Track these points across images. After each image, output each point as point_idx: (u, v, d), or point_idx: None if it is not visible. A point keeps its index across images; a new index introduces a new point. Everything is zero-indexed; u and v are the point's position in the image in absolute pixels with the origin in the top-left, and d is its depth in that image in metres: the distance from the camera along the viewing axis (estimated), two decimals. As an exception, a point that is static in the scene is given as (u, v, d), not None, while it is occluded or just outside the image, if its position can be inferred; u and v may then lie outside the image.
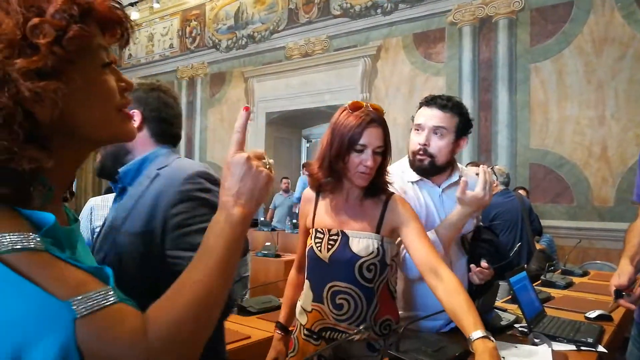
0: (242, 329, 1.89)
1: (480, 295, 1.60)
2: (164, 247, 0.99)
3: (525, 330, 1.63)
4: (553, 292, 2.45)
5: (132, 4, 8.95)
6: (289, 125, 8.34)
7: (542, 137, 5.46)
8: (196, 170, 1.04)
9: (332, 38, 7.29)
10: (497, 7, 5.82)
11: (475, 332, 1.09)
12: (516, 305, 1.73)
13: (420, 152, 1.56)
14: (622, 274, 1.28)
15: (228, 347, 1.26)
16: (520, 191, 4.72)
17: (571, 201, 5.24)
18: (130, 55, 10.19)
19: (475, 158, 5.70)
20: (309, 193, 1.46)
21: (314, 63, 7.47)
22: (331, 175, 1.34)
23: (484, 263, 1.45)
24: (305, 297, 1.42)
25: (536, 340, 1.52)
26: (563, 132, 5.32)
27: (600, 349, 1.50)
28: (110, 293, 0.54)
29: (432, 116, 1.53)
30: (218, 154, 8.73)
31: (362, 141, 1.28)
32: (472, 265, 1.47)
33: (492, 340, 1.07)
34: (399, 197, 1.40)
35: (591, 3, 5.20)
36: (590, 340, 1.52)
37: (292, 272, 1.60)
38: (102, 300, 0.53)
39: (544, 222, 4.73)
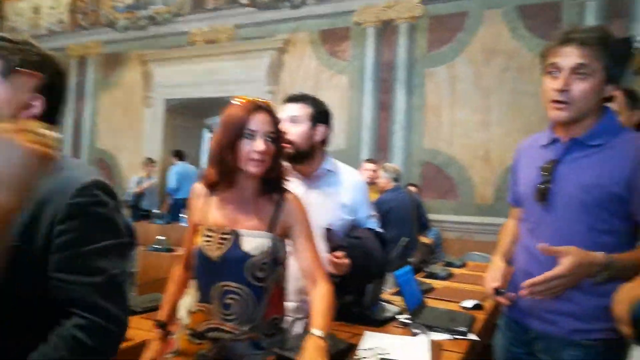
0: (123, 330, 1.76)
1: (348, 292, 1.68)
2: (44, 268, 0.86)
3: (408, 321, 1.71)
4: (434, 283, 2.61)
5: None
6: (190, 113, 8.02)
7: (435, 138, 5.83)
8: (92, 180, 0.91)
9: (239, 27, 7.12)
10: (399, 11, 6.08)
11: (316, 330, 1.21)
12: (401, 297, 1.81)
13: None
14: (496, 272, 1.39)
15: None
16: (411, 188, 4.98)
17: (456, 198, 5.67)
18: (12, 28, 9.09)
19: (374, 156, 5.93)
20: (199, 188, 1.39)
21: (220, 51, 7.25)
22: (223, 170, 1.28)
23: (337, 253, 1.49)
24: (191, 298, 1.34)
25: (416, 331, 1.60)
26: (453, 134, 5.73)
27: (472, 336, 1.62)
28: None
29: (289, 108, 1.69)
30: (110, 141, 8.15)
31: (250, 126, 1.25)
32: (330, 255, 1.50)
33: (326, 342, 1.19)
34: (294, 196, 1.38)
35: (482, 15, 5.64)
36: (463, 329, 1.63)
37: (177, 269, 1.51)
38: None
39: (432, 217, 5.05)
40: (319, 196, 1.64)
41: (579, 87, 1.21)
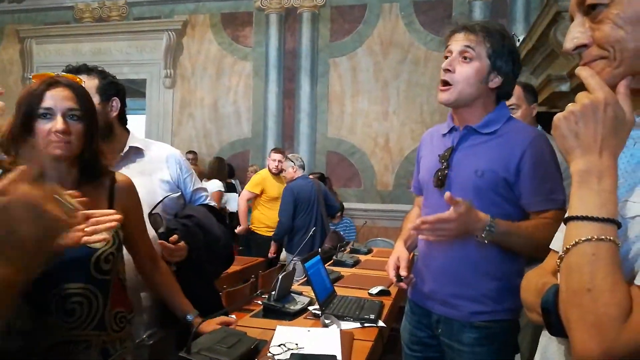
0: None
1: (208, 276, 1.63)
2: None
3: (318, 312, 1.73)
4: (343, 270, 2.68)
5: None
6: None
7: (338, 127, 5.95)
8: None
9: (131, 5, 6.63)
10: (301, -1, 6.07)
11: (190, 315, 1.33)
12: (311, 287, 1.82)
13: None
14: (397, 258, 1.44)
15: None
16: (312, 176, 5.01)
17: (360, 185, 5.87)
18: None
19: (280, 144, 5.91)
20: None
21: (111, 30, 6.69)
22: (21, 156, 1.09)
23: (171, 238, 1.43)
24: (16, 316, 1.08)
25: (327, 322, 1.62)
26: (355, 123, 5.89)
27: (381, 323, 1.68)
28: None
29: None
30: (-18, 126, 7.19)
31: (45, 104, 1.09)
32: (160, 242, 1.44)
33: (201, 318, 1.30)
34: (126, 179, 1.28)
35: (380, 8, 5.83)
36: (372, 316, 1.68)
37: None
38: None
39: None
40: (132, 177, 1.38)
41: (463, 69, 1.31)
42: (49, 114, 1.09)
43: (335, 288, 2.05)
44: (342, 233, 4.57)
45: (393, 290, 2.12)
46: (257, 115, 6.18)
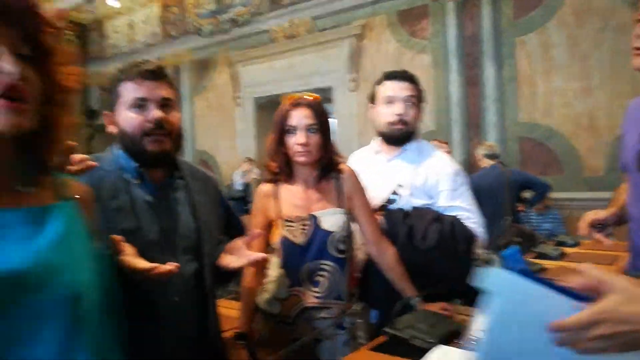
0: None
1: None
2: None
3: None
4: (546, 263, 2.48)
5: (110, -8, 8.73)
6: (276, 109, 8.24)
7: (530, 110, 5.48)
8: None
9: (316, 19, 7.20)
10: (480, -19, 5.77)
11: (413, 299, 1.44)
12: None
13: (398, 122, 1.71)
14: (599, 212, 1.30)
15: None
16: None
17: (561, 172, 5.29)
18: (113, 45, 9.98)
19: (465, 135, 5.73)
20: (265, 188, 1.50)
21: (299, 45, 7.38)
22: (280, 164, 1.44)
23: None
24: (278, 287, 1.42)
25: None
26: (551, 104, 5.34)
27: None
28: None
29: (402, 88, 1.71)
30: (207, 142, 8.66)
31: (290, 122, 1.39)
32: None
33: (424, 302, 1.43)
34: (348, 168, 1.50)
35: (574, -27, 5.17)
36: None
37: (249, 274, 1.49)
38: None
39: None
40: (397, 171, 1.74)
41: None
42: (294, 130, 1.39)
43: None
44: (549, 227, 4.20)
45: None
46: (440, 107, 6.08)
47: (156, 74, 1.14)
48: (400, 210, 1.63)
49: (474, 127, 5.84)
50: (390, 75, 1.74)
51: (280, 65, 7.62)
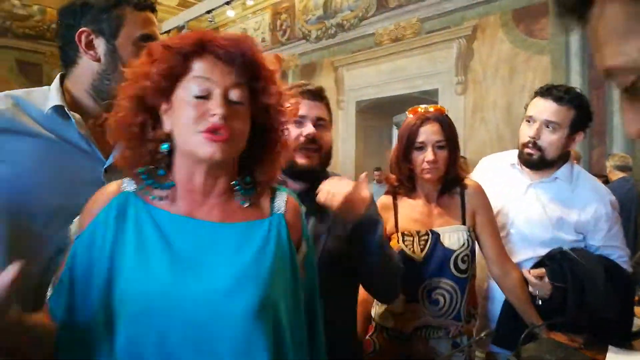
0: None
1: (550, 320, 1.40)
2: None
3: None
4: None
5: (227, 3, 9.34)
6: (378, 113, 8.25)
7: (669, 116, 4.85)
8: None
9: (423, 21, 7.05)
10: (611, -27, 5.23)
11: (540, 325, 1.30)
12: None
13: (530, 145, 1.51)
14: None
15: None
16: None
17: None
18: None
19: (586, 141, 5.23)
20: (384, 200, 1.48)
21: (405, 48, 7.28)
22: (402, 178, 1.41)
23: (534, 270, 1.39)
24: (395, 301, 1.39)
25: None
26: (695, 109, 4.69)
27: None
28: None
29: (545, 109, 1.48)
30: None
31: (419, 139, 1.34)
32: (524, 271, 1.40)
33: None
34: (474, 184, 1.42)
35: None
36: None
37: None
38: None
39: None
40: (538, 201, 1.55)
41: None
42: (422, 147, 1.35)
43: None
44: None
45: None
46: (558, 112, 5.62)
47: (315, 95, 1.23)
48: (562, 256, 1.42)
49: (597, 134, 5.31)
50: (544, 92, 1.52)
51: (384, 68, 7.59)
